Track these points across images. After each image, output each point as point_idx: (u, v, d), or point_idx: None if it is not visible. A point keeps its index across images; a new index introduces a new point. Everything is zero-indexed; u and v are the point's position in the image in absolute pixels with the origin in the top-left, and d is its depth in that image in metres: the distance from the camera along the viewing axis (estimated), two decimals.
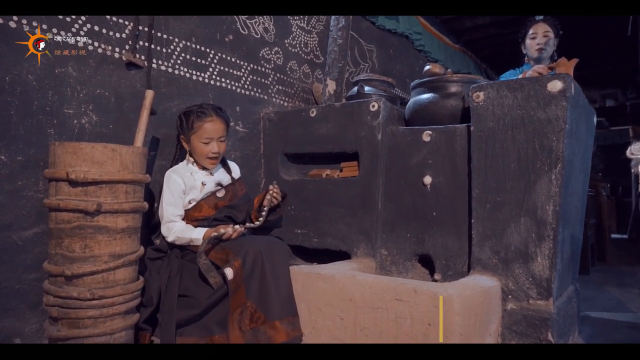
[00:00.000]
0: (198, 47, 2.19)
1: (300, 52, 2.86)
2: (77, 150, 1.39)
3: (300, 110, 2.41)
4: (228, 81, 2.35)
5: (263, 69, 2.57)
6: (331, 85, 2.75)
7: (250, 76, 2.49)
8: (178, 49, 2.11)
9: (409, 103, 2.25)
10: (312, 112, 2.31)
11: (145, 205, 1.55)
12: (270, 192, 1.81)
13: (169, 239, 1.74)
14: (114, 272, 1.44)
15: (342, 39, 2.80)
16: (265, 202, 1.79)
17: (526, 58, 2.77)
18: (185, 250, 1.74)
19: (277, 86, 2.67)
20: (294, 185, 2.36)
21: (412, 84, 2.26)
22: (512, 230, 1.69)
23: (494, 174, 1.74)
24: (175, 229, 1.73)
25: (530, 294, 1.63)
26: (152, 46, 1.99)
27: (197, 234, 1.70)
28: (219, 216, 1.81)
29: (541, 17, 2.71)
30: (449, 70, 2.18)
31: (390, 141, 2.10)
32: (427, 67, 2.26)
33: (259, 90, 2.55)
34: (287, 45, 2.75)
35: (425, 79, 2.15)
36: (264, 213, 1.77)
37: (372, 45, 3.59)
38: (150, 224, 1.86)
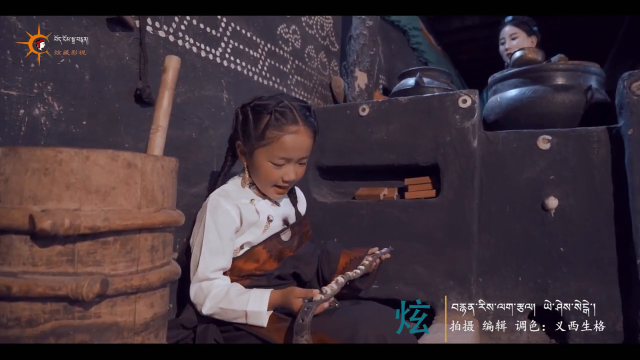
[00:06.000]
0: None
1: (317, 36, 2.21)
2: (51, 165, 0.65)
3: (343, 107, 1.77)
4: (244, 63, 1.64)
5: (281, 52, 1.89)
6: (361, 78, 2.14)
7: (268, 60, 1.80)
8: None
9: (490, 101, 1.71)
10: (363, 109, 1.68)
11: (178, 269, 0.82)
12: (369, 261, 1.10)
13: (204, 311, 1.01)
14: None
15: (372, 20, 2.21)
16: (353, 272, 1.05)
17: (505, 64, 2.53)
18: (227, 330, 1.02)
19: (295, 76, 2.00)
20: (335, 211, 1.70)
21: (495, 75, 1.73)
22: None
23: None
24: (215, 292, 1.01)
25: None
26: None
27: (255, 304, 0.98)
28: (284, 272, 1.11)
29: (509, 18, 2.48)
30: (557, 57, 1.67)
31: (486, 150, 1.54)
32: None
33: (278, 80, 1.86)
34: (304, 24, 2.09)
35: (523, 68, 1.62)
36: (340, 280, 1.00)
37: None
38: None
